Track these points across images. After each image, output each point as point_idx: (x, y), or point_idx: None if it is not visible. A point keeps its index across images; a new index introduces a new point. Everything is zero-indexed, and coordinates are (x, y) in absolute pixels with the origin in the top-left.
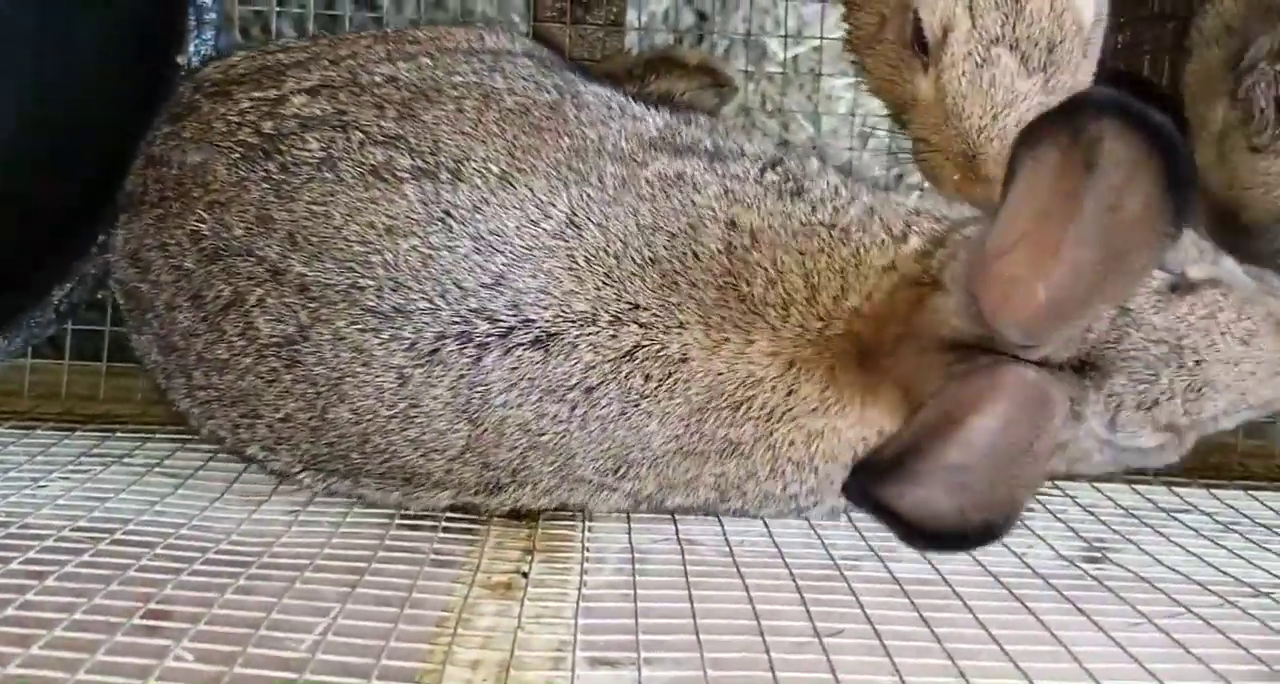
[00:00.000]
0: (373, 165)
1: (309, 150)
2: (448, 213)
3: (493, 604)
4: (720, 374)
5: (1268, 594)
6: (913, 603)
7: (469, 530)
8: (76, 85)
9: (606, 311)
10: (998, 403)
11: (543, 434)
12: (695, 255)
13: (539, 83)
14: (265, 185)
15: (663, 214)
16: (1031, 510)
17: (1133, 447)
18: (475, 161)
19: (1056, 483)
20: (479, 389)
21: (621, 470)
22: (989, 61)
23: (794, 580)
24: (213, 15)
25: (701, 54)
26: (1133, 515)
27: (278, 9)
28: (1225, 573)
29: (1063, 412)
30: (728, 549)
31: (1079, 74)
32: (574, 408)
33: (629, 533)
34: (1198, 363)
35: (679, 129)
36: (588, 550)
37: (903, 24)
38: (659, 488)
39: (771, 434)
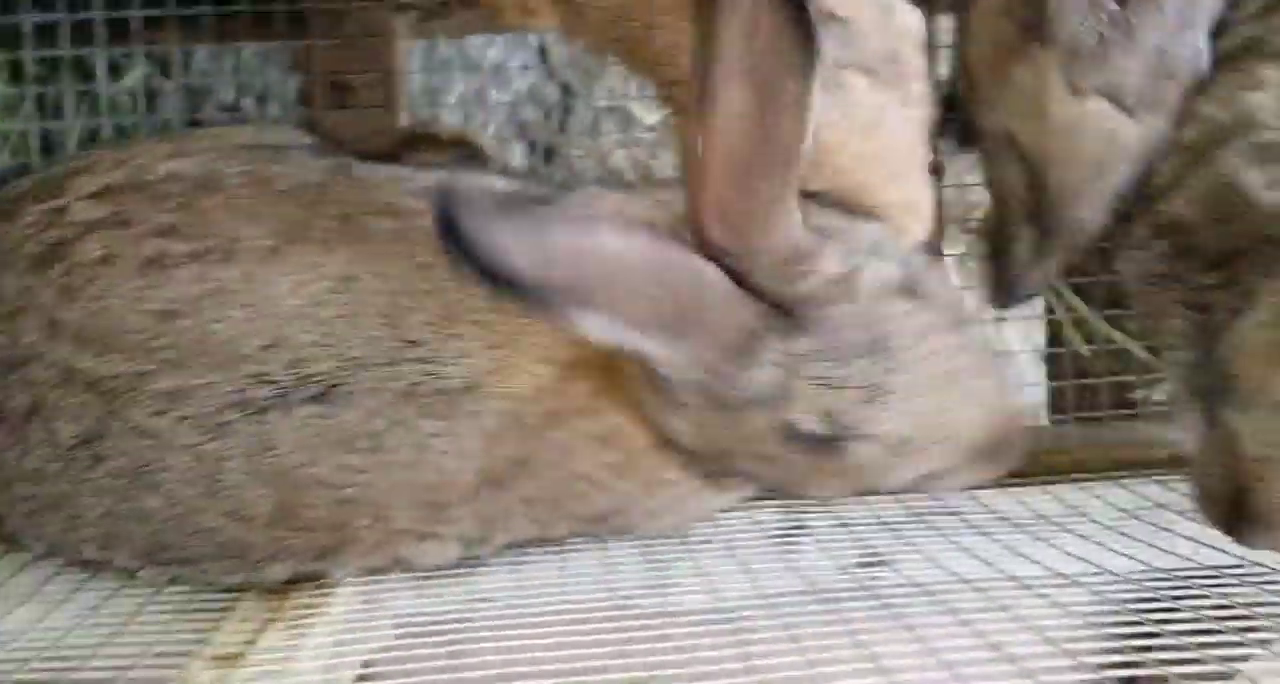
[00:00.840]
0: (149, 256)
1: (90, 250)
2: (220, 288)
3: (209, 674)
4: (508, 394)
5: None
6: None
7: (215, 606)
8: None
9: (380, 352)
10: (639, 238)
11: (346, 487)
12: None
13: (311, 166)
14: (51, 290)
15: (438, 252)
16: (808, 529)
17: (791, 423)
18: (246, 240)
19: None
20: (271, 452)
21: (437, 515)
22: (842, 87)
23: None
24: None
25: (457, 128)
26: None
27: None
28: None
29: (732, 323)
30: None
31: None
32: (368, 456)
33: (369, 598)
34: (889, 370)
35: (457, 178)
36: (326, 615)
37: None
38: (480, 526)
39: (549, 443)
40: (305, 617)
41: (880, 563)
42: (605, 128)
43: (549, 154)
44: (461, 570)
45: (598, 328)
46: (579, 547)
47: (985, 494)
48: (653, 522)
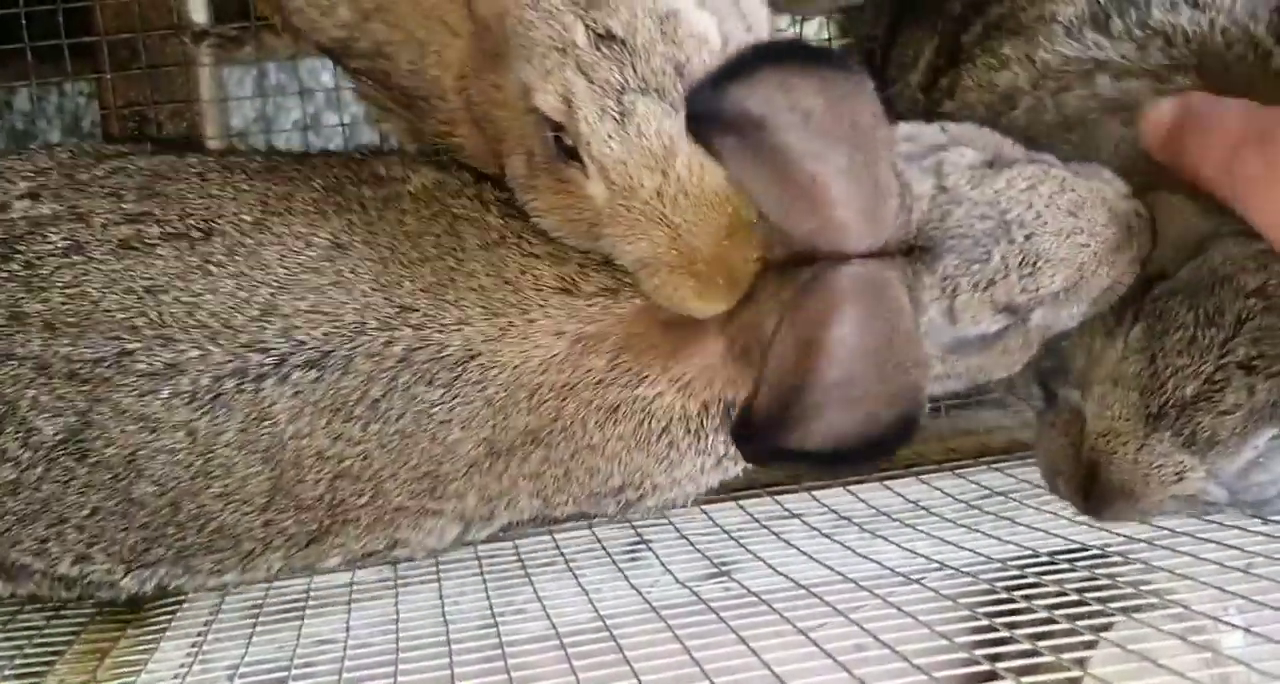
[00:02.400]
0: (122, 239)
1: (51, 242)
2: (206, 260)
3: None
4: (515, 365)
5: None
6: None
7: (32, 666)
8: None
9: (375, 317)
10: (843, 309)
11: (344, 460)
12: (462, 250)
13: (278, 149)
14: (12, 284)
15: (425, 219)
16: (651, 545)
17: (975, 336)
18: (227, 217)
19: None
20: (267, 423)
21: (438, 489)
22: (628, 113)
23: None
24: None
25: None
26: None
27: None
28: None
29: (905, 293)
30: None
31: None
32: (366, 425)
33: (196, 650)
34: (1028, 237)
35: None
36: (150, 673)
37: (541, 140)
38: (482, 501)
39: (560, 415)
40: (125, 675)
41: (724, 574)
42: None
43: None
44: (293, 613)
45: None
46: (417, 581)
47: (825, 495)
48: (664, 494)
